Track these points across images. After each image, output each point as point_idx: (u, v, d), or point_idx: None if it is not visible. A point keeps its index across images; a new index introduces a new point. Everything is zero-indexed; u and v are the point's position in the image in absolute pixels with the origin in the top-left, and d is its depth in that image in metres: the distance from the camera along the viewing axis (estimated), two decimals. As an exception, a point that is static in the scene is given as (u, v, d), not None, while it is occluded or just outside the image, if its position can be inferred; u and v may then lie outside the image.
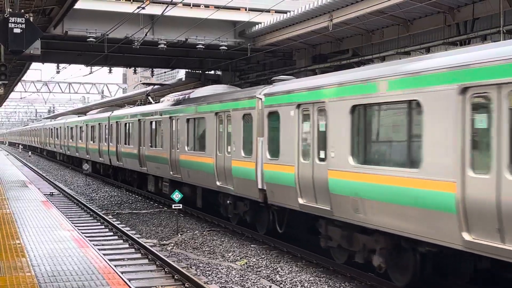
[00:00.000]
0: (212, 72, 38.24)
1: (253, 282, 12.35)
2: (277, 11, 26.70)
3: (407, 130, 10.39)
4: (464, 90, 9.02)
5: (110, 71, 39.35)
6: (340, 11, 21.64)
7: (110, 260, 11.84)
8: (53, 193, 28.28)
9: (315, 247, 14.45)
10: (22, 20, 13.10)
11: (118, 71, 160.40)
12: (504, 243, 8.36)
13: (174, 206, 18.10)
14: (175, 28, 27.17)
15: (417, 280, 10.96)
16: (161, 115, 23.87)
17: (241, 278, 12.66)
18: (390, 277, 11.52)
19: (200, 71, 37.78)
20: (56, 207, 19.12)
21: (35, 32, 13.58)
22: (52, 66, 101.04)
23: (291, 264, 13.96)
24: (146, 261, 14.11)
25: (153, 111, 25.25)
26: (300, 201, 13.68)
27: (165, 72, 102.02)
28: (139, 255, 14.72)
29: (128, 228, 18.79)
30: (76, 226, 15.86)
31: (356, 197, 11.47)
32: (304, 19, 23.93)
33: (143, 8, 20.86)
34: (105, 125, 34.21)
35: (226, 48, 28.28)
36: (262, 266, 13.86)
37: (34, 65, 45.05)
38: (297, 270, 13.37)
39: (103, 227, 19.23)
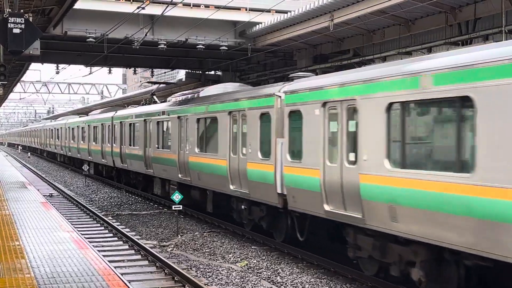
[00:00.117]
0: (212, 72, 38.15)
1: (254, 284, 12.29)
2: (277, 11, 26.61)
3: (457, 130, 9.27)
4: None
5: (109, 72, 39.27)
6: (341, 11, 21.57)
7: (110, 261, 11.79)
8: (53, 194, 28.24)
9: (339, 256, 13.75)
10: (21, 20, 13.01)
11: (118, 72, 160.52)
12: None
13: (174, 207, 18.00)
14: (175, 28, 27.09)
15: None
16: (168, 115, 22.90)
17: (242, 280, 12.60)
18: None
19: (200, 72, 37.69)
20: (56, 208, 19.02)
21: (35, 32, 13.49)
22: (51, 67, 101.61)
23: (292, 266, 13.89)
24: (146, 262, 14.07)
25: (160, 110, 24.20)
26: (326, 207, 12.53)
27: (165, 73, 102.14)
28: (139, 257, 14.68)
29: (128, 230, 18.73)
30: (75, 228, 15.82)
31: (394, 204, 10.41)
32: (305, 19, 23.86)
33: (143, 8, 20.79)
34: (109, 126, 33.04)
35: (226, 48, 28.19)
36: (262, 268, 13.79)
37: (33, 65, 45.15)
38: (298, 272, 13.30)
39: (102, 228, 19.18)
